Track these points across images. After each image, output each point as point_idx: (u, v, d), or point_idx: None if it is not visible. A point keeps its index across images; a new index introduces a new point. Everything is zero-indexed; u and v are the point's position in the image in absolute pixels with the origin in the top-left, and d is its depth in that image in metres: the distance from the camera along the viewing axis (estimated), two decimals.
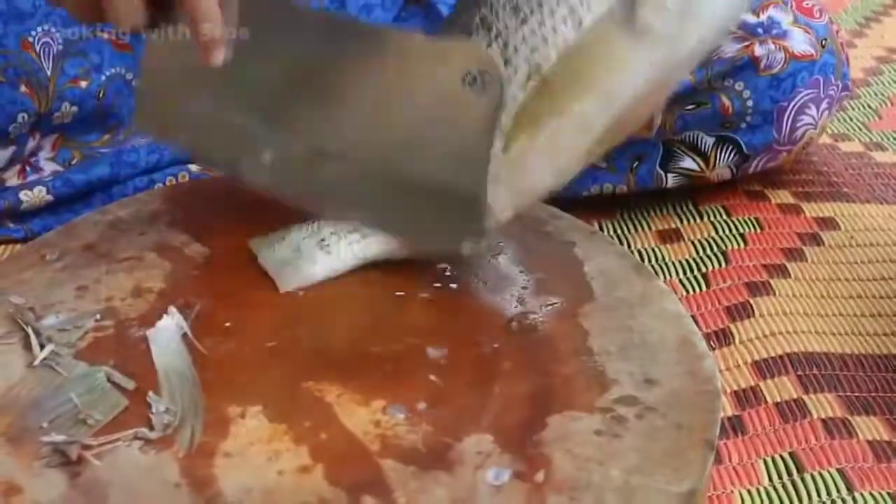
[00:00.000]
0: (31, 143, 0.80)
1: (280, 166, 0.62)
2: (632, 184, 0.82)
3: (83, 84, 0.78)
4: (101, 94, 0.79)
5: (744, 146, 0.81)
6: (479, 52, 0.56)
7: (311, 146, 0.62)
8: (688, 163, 0.81)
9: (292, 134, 0.62)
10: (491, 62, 0.55)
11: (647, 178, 0.82)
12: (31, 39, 0.76)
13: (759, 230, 0.81)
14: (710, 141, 0.81)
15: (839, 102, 0.84)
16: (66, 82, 0.78)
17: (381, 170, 0.60)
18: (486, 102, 0.55)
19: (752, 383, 0.64)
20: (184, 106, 0.65)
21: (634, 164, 0.82)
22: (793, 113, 0.80)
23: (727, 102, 0.79)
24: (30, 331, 0.57)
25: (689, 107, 0.79)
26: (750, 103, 0.79)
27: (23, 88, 0.76)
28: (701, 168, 0.82)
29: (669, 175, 0.82)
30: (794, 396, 0.62)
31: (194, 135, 0.67)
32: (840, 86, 0.82)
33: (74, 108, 0.79)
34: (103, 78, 0.79)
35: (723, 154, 0.81)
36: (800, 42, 0.79)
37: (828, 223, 0.82)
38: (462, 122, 0.56)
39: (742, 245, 0.79)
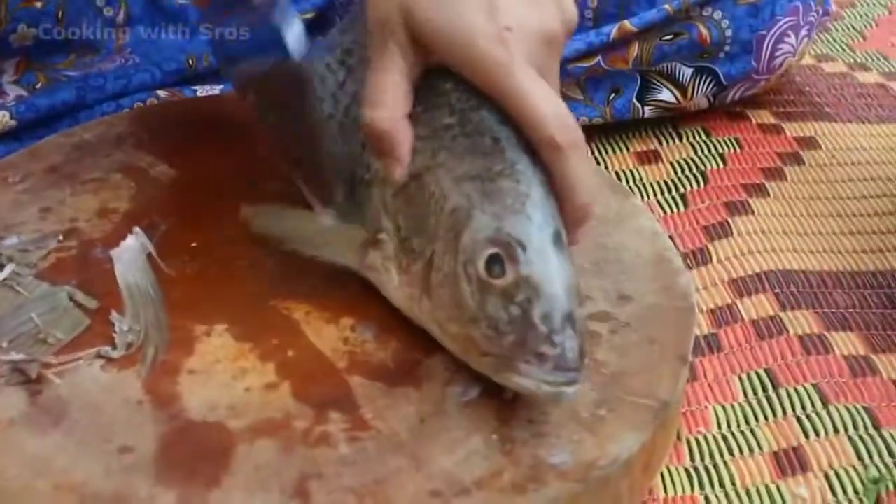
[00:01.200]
0: None
1: None
2: (608, 116, 0.80)
3: (38, 4, 0.76)
4: (59, 14, 0.77)
5: (722, 76, 0.79)
6: None
7: None
8: (665, 94, 0.80)
9: None
10: None
11: (623, 110, 0.80)
12: None
13: (738, 150, 0.80)
14: (687, 72, 0.79)
15: (819, 27, 0.82)
16: (18, 3, 0.75)
17: None
18: None
19: (729, 301, 0.63)
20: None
21: (611, 97, 0.80)
22: (772, 42, 0.78)
23: (704, 32, 0.77)
24: None
25: (667, 37, 0.78)
26: (729, 32, 0.77)
27: None
28: (678, 99, 0.80)
29: (646, 108, 0.80)
30: (771, 314, 0.62)
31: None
32: (820, 11, 0.81)
33: (32, 30, 0.76)
34: None
35: (700, 84, 0.80)
36: None
37: (809, 142, 0.81)
38: None
39: (721, 165, 0.78)
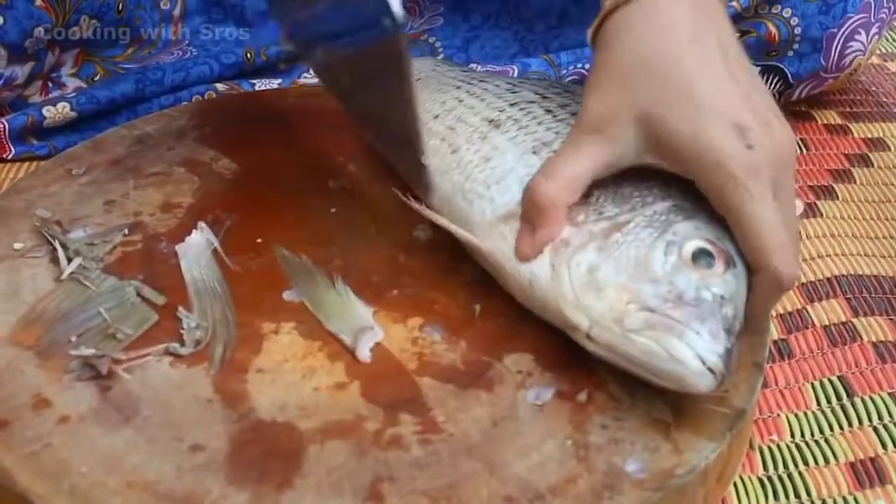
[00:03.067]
0: (50, 58, 0.78)
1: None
2: None
3: None
4: (120, 7, 0.77)
5: (789, 75, 0.78)
6: None
7: None
8: None
9: None
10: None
11: None
12: None
13: (805, 151, 0.78)
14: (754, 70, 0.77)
15: (889, 24, 0.80)
16: None
17: None
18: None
19: (799, 306, 0.62)
20: None
21: None
22: (842, 40, 0.76)
23: (773, 30, 0.76)
24: (57, 244, 0.55)
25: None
26: (798, 30, 0.76)
27: (38, 2, 0.74)
28: None
29: None
30: (843, 319, 0.60)
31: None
32: (892, 7, 0.79)
33: (94, 22, 0.76)
34: None
35: (767, 83, 0.78)
36: None
37: (877, 144, 0.79)
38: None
39: None
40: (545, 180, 0.49)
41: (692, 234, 0.48)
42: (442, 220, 0.53)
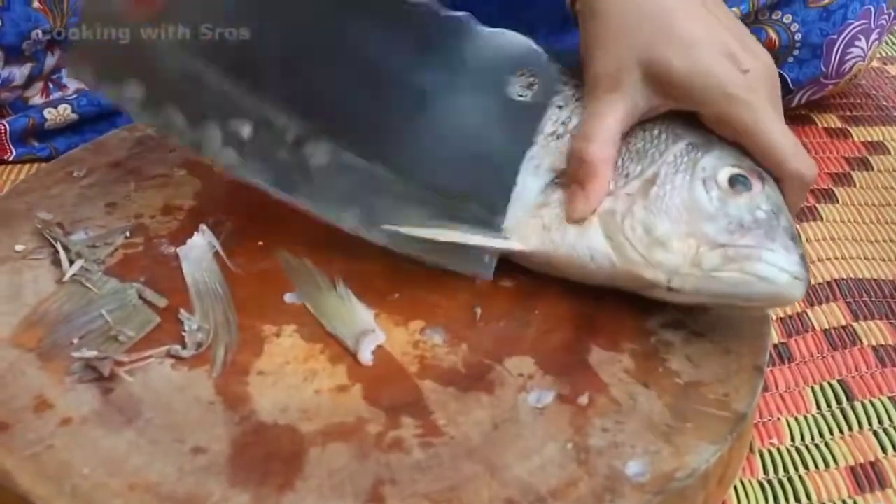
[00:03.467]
0: (50, 60, 0.78)
1: (266, 148, 0.54)
2: None
3: None
4: None
5: (789, 81, 0.78)
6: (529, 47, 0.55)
7: (335, 146, 0.54)
8: None
9: (306, 120, 0.54)
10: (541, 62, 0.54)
11: None
12: None
13: None
14: None
15: (889, 30, 0.80)
16: None
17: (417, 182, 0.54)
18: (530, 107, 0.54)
19: (799, 310, 0.62)
20: (142, 50, 0.54)
21: None
22: (842, 46, 0.77)
23: (773, 36, 0.76)
24: (59, 246, 0.55)
25: None
26: (798, 36, 0.76)
27: (36, 4, 0.74)
28: None
29: None
30: (843, 323, 0.60)
31: (147, 87, 0.55)
32: (892, 14, 0.79)
33: None
34: None
35: None
36: None
37: (877, 147, 0.79)
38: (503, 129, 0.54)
39: None
40: (588, 142, 0.52)
41: (720, 164, 0.51)
42: (475, 239, 0.53)
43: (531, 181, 0.54)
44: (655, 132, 0.53)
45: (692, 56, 0.51)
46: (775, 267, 0.48)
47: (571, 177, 0.53)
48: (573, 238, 0.52)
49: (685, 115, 0.53)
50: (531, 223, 0.53)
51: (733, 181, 0.51)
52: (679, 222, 0.50)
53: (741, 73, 0.51)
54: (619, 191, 0.52)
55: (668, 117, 0.53)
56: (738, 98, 0.51)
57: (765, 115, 0.51)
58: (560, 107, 0.55)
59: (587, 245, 0.51)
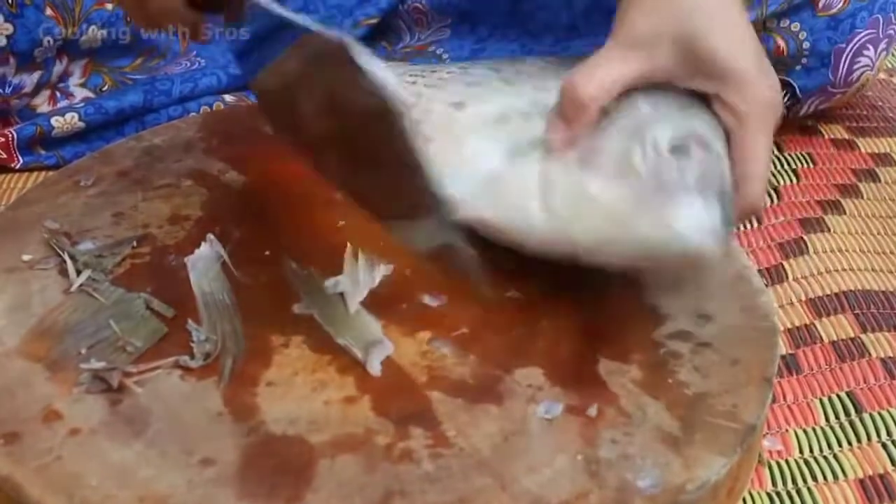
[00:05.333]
0: (58, 68, 0.78)
1: None
2: None
3: (110, 6, 0.76)
4: (128, 17, 0.77)
5: (798, 89, 0.78)
6: None
7: None
8: None
9: None
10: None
11: None
12: None
13: (812, 166, 0.78)
14: None
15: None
16: (92, 5, 0.76)
17: None
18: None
19: (807, 321, 0.62)
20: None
21: None
22: (850, 55, 0.76)
23: (781, 44, 0.76)
24: (66, 256, 0.55)
25: None
26: (806, 45, 0.76)
27: (48, 11, 0.74)
28: None
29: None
30: (851, 335, 0.60)
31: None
32: None
33: (103, 32, 0.77)
34: None
35: None
36: None
37: (884, 159, 0.79)
38: None
39: (794, 181, 0.76)
40: (584, 80, 0.52)
41: (666, 135, 0.51)
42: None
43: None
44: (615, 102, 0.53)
45: (733, 45, 0.51)
46: (693, 221, 0.49)
47: (558, 109, 0.53)
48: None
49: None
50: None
51: (676, 149, 0.51)
52: (609, 179, 0.51)
53: (768, 88, 0.52)
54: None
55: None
56: (759, 111, 0.51)
57: (765, 139, 0.52)
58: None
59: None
